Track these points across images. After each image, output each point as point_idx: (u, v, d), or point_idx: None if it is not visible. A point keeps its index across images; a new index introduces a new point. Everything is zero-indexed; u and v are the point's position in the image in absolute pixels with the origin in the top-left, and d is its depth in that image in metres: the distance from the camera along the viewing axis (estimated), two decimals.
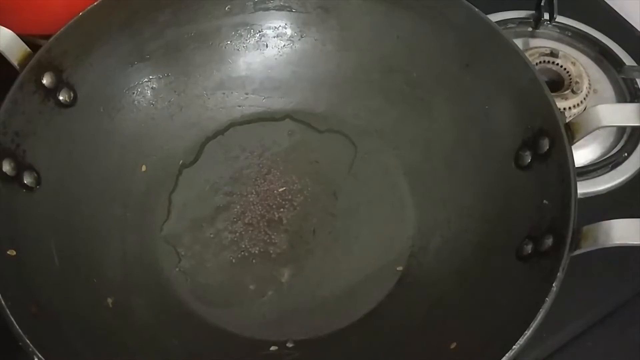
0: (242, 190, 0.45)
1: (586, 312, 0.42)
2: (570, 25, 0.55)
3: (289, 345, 0.39)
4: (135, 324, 0.38)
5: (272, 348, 0.38)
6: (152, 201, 0.44)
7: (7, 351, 0.32)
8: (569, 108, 0.48)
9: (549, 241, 0.34)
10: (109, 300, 0.38)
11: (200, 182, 0.45)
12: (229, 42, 0.48)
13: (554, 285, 0.31)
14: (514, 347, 0.30)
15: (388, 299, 0.40)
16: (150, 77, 0.46)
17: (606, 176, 0.47)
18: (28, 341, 0.30)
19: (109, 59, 0.43)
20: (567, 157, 0.34)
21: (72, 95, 0.40)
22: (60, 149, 0.40)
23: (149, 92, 0.46)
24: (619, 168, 0.47)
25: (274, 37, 0.48)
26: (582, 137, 0.35)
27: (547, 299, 0.31)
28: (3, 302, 0.31)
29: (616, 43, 0.54)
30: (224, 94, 0.48)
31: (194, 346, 0.38)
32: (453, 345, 0.35)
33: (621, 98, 0.52)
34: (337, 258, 0.42)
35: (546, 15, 0.54)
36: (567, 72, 0.50)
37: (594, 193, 0.47)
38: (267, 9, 0.47)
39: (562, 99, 0.48)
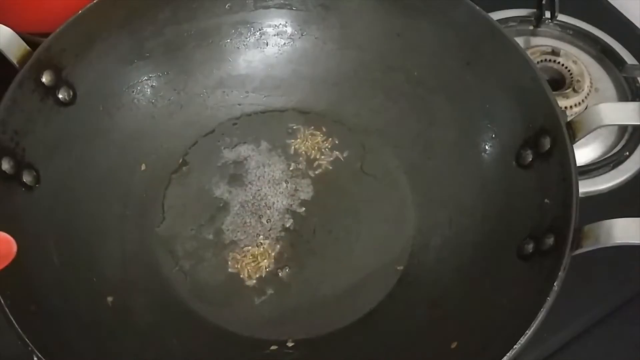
0: (241, 189, 0.45)
1: (586, 312, 0.42)
2: (571, 24, 0.55)
3: (289, 344, 0.38)
4: (135, 323, 0.38)
5: (272, 347, 0.38)
6: (151, 200, 0.44)
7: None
8: (570, 107, 0.48)
9: (550, 240, 0.34)
10: (109, 300, 0.38)
11: (199, 181, 0.45)
12: (229, 40, 0.48)
13: (555, 284, 0.31)
14: (515, 346, 0.30)
15: (388, 298, 0.40)
16: (150, 75, 0.45)
17: (607, 175, 0.47)
18: (27, 340, 0.30)
19: (109, 57, 0.42)
20: (569, 156, 0.34)
21: (71, 93, 0.40)
22: (59, 147, 0.40)
23: (148, 90, 0.46)
24: (620, 167, 0.47)
25: (274, 35, 0.48)
26: (584, 136, 0.35)
27: (548, 298, 0.31)
28: (3, 301, 0.31)
29: (618, 41, 0.54)
30: (224, 92, 0.48)
31: (194, 346, 0.38)
32: (454, 345, 0.35)
33: (623, 97, 0.52)
34: (337, 257, 0.42)
35: (547, 14, 0.54)
36: (569, 70, 0.50)
37: (595, 192, 0.46)
38: (268, 7, 0.47)
39: (564, 97, 0.48)
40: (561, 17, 0.54)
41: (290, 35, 0.48)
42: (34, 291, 0.34)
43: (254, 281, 0.41)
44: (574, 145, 0.35)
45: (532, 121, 0.38)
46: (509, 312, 0.34)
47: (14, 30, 0.37)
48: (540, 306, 0.31)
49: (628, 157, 0.48)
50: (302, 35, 0.48)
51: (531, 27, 0.55)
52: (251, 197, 0.44)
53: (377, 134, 0.47)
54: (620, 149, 0.48)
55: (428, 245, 0.42)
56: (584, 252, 0.32)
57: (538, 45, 0.52)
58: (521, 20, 0.55)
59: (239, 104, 0.48)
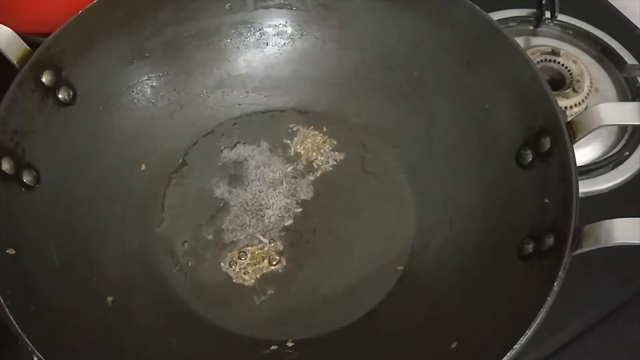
0: (241, 189, 0.45)
1: (586, 312, 0.42)
2: (571, 24, 0.55)
3: (289, 344, 0.38)
4: (135, 323, 0.38)
5: (272, 347, 0.38)
6: (151, 200, 0.44)
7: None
8: (570, 107, 0.48)
9: (550, 240, 0.34)
10: (109, 300, 0.38)
11: (199, 181, 0.45)
12: (229, 40, 0.48)
13: (555, 284, 0.31)
14: (514, 346, 0.30)
15: (388, 298, 0.40)
16: (150, 75, 0.45)
17: (607, 175, 0.47)
18: (27, 340, 0.30)
19: (109, 57, 0.42)
20: (569, 156, 0.34)
21: (71, 93, 0.40)
22: (59, 147, 0.40)
23: (148, 90, 0.46)
24: (620, 167, 0.47)
25: (275, 35, 0.48)
26: (584, 136, 0.35)
27: (548, 298, 0.31)
28: (2, 301, 0.31)
29: (618, 41, 0.54)
30: (224, 92, 0.48)
31: (194, 346, 0.38)
32: (453, 345, 0.35)
33: (622, 97, 0.52)
34: (337, 257, 0.42)
35: (547, 14, 0.54)
36: (569, 70, 0.50)
37: (595, 192, 0.47)
38: (268, 7, 0.47)
39: (564, 97, 0.48)
40: (561, 17, 0.54)
41: (290, 35, 0.48)
42: (34, 291, 0.34)
43: (254, 281, 0.41)
44: (574, 145, 0.35)
45: (532, 121, 0.38)
46: (509, 312, 0.34)
47: (14, 31, 0.37)
48: (540, 306, 0.31)
49: (628, 157, 0.48)
50: (302, 35, 0.48)
51: (531, 27, 0.55)
52: (251, 197, 0.44)
53: (377, 134, 0.47)
54: (620, 149, 0.48)
55: (428, 245, 0.42)
56: (584, 252, 0.32)
57: (538, 45, 0.52)
58: (521, 20, 0.55)
59: (239, 104, 0.48)
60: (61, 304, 0.35)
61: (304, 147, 0.47)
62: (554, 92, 0.37)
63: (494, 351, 0.31)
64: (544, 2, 0.53)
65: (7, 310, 0.31)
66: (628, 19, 0.57)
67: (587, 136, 0.35)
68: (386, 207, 0.44)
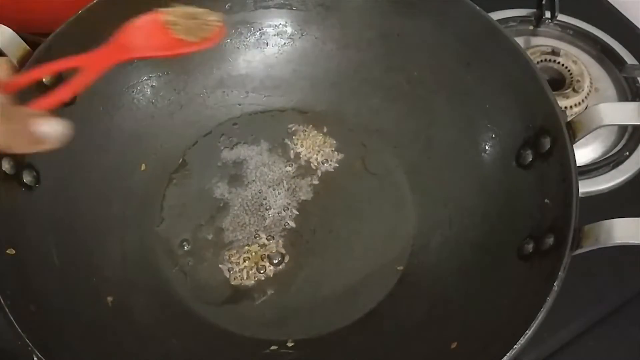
0: (241, 189, 0.45)
1: (586, 312, 0.42)
2: (571, 24, 0.55)
3: (289, 344, 0.38)
4: (135, 323, 0.38)
5: (272, 347, 0.38)
6: (151, 200, 0.44)
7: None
8: (570, 107, 0.48)
9: (550, 240, 0.34)
10: (109, 299, 0.38)
11: (199, 181, 0.45)
12: (229, 41, 0.48)
13: (555, 284, 0.31)
14: (514, 346, 0.30)
15: (388, 298, 0.40)
16: (150, 75, 0.45)
17: (607, 175, 0.47)
18: (27, 340, 0.30)
19: None
20: (569, 156, 0.34)
21: None
22: (59, 147, 0.40)
23: (148, 90, 0.46)
24: (620, 167, 0.47)
25: (274, 35, 0.48)
26: (584, 136, 0.35)
27: (548, 298, 0.31)
28: (2, 301, 0.31)
29: (617, 41, 0.54)
30: (224, 92, 0.48)
31: (194, 346, 0.38)
32: (454, 345, 0.35)
33: (622, 97, 0.52)
34: (337, 257, 0.42)
35: (547, 14, 0.54)
36: (569, 70, 0.50)
37: (595, 192, 0.47)
38: (268, 7, 0.47)
39: (564, 97, 0.48)
40: (561, 17, 0.54)
41: (290, 35, 0.48)
42: (34, 291, 0.34)
43: (254, 281, 0.41)
44: (574, 145, 0.35)
45: (532, 121, 0.38)
46: (509, 312, 0.34)
47: (14, 31, 0.37)
48: (540, 306, 0.31)
49: (628, 157, 0.48)
50: (302, 35, 0.48)
51: (531, 27, 0.55)
52: (251, 197, 0.44)
53: (377, 134, 0.47)
54: (620, 149, 0.48)
55: (428, 245, 0.42)
56: (584, 252, 0.32)
57: (538, 45, 0.53)
58: (521, 20, 0.55)
59: (239, 104, 0.48)
60: (61, 303, 0.35)
61: (304, 147, 0.47)
62: (554, 92, 0.37)
63: (494, 351, 0.31)
64: (544, 2, 0.53)
65: (7, 310, 0.31)
66: (628, 19, 0.57)
67: (587, 136, 0.35)
68: (386, 207, 0.44)
